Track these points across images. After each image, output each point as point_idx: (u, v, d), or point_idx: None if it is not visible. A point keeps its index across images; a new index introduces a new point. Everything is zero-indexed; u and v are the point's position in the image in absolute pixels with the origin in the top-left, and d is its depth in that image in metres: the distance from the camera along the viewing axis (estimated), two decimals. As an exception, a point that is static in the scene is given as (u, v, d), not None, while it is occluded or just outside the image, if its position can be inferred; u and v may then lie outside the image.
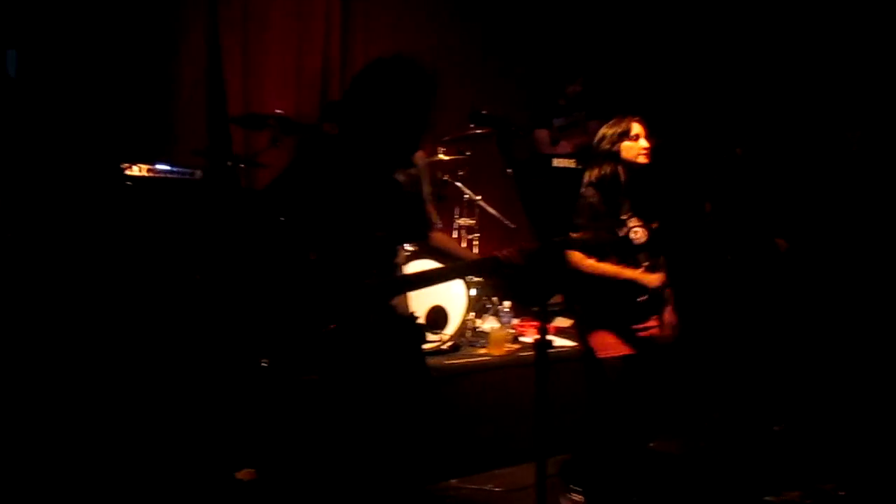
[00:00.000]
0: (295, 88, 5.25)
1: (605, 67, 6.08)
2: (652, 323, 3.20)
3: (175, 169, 3.81)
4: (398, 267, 2.54)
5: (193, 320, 3.58)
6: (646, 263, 3.20)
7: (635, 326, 3.17)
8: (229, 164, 4.24)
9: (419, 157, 2.57)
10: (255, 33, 5.06)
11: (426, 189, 2.59)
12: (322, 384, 2.38)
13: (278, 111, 4.15)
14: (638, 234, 3.21)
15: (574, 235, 2.70)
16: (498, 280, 4.42)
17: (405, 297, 2.54)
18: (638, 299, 3.18)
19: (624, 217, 3.22)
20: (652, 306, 3.22)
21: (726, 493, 3.51)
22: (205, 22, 4.85)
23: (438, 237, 2.69)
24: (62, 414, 3.21)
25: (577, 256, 3.15)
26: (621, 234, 3.17)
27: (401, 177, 2.48)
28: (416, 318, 2.57)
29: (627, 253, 3.18)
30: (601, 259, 3.14)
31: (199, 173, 3.87)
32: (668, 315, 3.27)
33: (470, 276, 4.16)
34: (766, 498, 3.47)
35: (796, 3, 5.35)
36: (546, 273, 2.57)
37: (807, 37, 5.28)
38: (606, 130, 3.27)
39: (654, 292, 3.20)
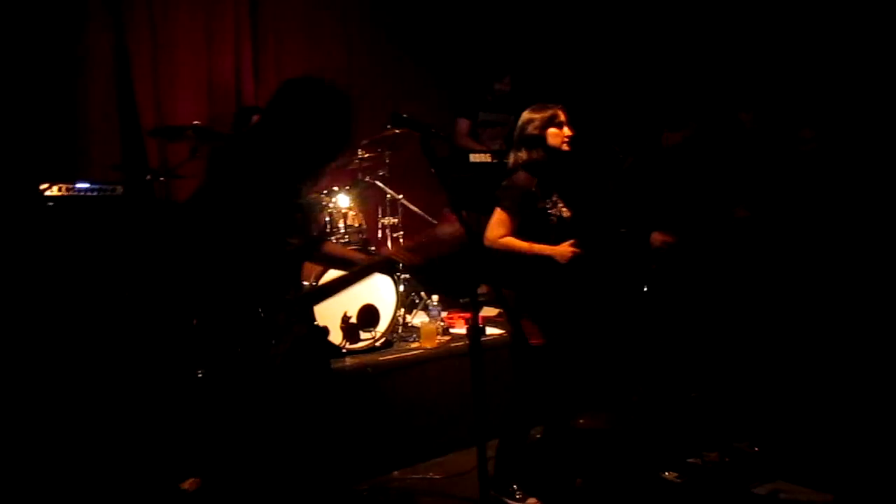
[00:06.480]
0: (207, 97, 5.23)
1: (534, 68, 6.25)
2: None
3: (95, 186, 3.77)
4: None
5: (125, 335, 3.57)
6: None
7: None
8: (148, 177, 4.20)
9: None
10: (164, 41, 5.01)
11: (316, 199, 2.69)
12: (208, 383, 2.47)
13: (196, 122, 4.14)
14: (564, 213, 3.30)
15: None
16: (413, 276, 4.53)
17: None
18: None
19: (553, 199, 3.30)
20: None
21: (652, 460, 3.73)
22: (111, 32, 4.77)
23: (330, 246, 2.83)
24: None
25: (492, 235, 3.24)
26: (551, 212, 3.26)
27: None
28: (325, 328, 2.67)
29: (550, 235, 3.27)
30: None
31: (119, 189, 3.83)
32: None
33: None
34: (689, 460, 3.73)
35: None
36: (470, 264, 2.66)
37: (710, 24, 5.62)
38: (533, 115, 3.32)
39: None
